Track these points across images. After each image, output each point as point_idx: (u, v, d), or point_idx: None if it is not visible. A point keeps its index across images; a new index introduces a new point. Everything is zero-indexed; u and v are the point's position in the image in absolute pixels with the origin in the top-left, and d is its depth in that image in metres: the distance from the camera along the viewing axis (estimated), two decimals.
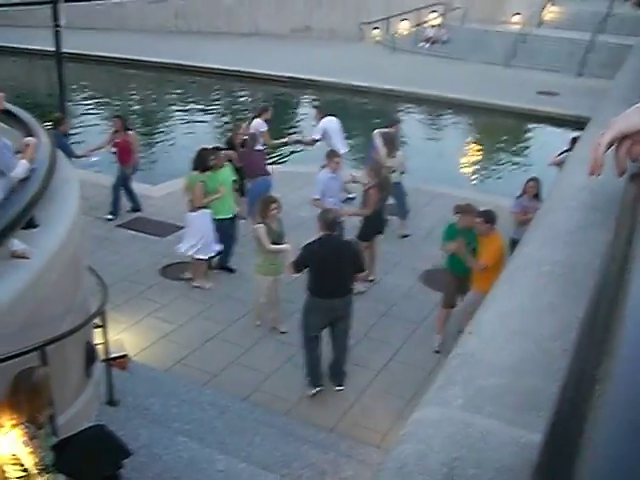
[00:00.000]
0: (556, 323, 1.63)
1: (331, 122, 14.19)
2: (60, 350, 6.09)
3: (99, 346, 7.48)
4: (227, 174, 11.21)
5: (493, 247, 9.05)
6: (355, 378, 9.06)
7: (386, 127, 13.46)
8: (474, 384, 1.38)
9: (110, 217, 13.17)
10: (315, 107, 15.49)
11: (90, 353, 7.17)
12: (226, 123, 22.56)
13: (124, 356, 8.59)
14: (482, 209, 9.38)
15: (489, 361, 1.45)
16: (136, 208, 13.53)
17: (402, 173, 13.08)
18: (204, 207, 10.71)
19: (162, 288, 10.96)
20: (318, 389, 8.74)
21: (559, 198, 2.48)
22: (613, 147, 1.47)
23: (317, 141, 14.22)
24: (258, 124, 14.07)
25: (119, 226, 13.03)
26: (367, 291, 11.02)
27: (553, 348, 1.52)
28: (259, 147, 13.04)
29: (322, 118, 14.43)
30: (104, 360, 7.56)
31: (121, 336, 9.31)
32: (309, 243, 8.72)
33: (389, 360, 9.44)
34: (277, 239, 9.52)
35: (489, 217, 9.17)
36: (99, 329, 7.36)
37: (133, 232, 12.82)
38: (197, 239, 10.77)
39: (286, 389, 8.83)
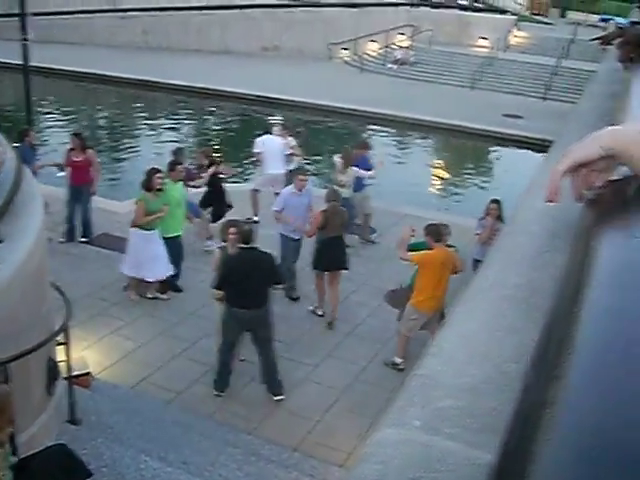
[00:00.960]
0: (516, 346, 1.66)
1: (270, 141, 14.39)
2: (23, 367, 6.02)
3: (62, 363, 7.40)
4: (173, 193, 11.22)
5: (421, 254, 9.30)
6: (319, 397, 9.07)
7: (357, 148, 13.71)
8: (433, 405, 1.40)
9: (84, 239, 13.06)
10: (281, 124, 15.60)
11: (52, 370, 7.09)
12: (194, 140, 22.57)
13: (87, 374, 8.52)
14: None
15: (448, 382, 1.48)
16: (71, 230, 13.15)
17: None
18: (147, 226, 10.76)
19: (126, 305, 10.89)
20: (221, 394, 8.99)
21: (521, 222, 2.53)
22: (571, 175, 1.51)
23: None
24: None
25: (83, 242, 12.93)
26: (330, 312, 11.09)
27: (512, 371, 1.55)
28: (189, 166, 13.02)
29: (288, 136, 14.60)
30: (66, 378, 7.48)
31: (84, 353, 9.22)
32: (226, 258, 9.02)
33: (353, 380, 9.46)
34: None
35: (427, 230, 9.41)
36: (62, 346, 7.28)
37: (97, 248, 12.74)
38: (130, 257, 10.88)
39: (250, 408, 8.81)
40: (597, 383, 0.86)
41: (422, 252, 9.35)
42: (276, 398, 8.97)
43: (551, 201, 1.50)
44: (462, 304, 1.85)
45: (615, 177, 1.47)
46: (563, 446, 0.75)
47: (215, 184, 13.03)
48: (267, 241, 11.36)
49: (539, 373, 0.93)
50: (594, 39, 5.02)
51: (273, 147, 14.28)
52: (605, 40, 4.91)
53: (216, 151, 14.06)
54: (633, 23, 4.21)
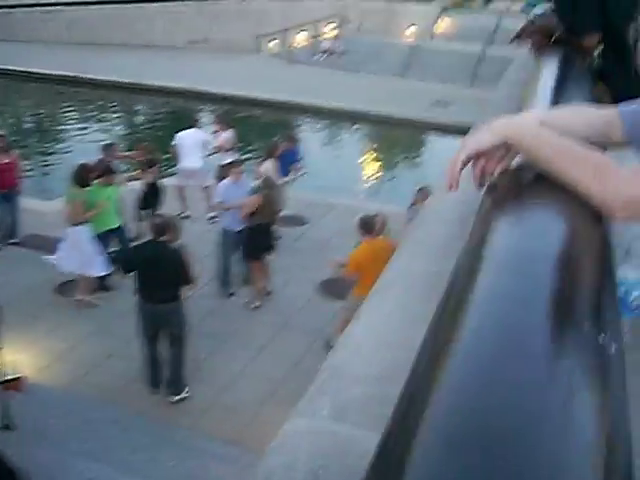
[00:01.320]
0: (424, 334, 1.72)
1: (187, 135, 14.37)
2: None
3: None
4: (113, 191, 11.24)
5: (354, 257, 9.22)
6: (256, 390, 9.09)
7: (284, 142, 13.79)
8: (342, 394, 1.45)
9: (12, 241, 12.83)
10: (215, 118, 15.60)
11: None
12: (123, 136, 22.30)
13: (20, 377, 8.38)
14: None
15: (357, 372, 1.53)
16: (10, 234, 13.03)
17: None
18: (84, 222, 10.66)
19: (58, 306, 10.75)
20: (156, 390, 8.94)
21: (434, 210, 2.60)
22: (471, 163, 1.58)
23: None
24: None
25: (11, 244, 12.70)
26: (264, 304, 11.11)
27: None
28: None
29: (222, 130, 14.62)
30: None
31: (16, 357, 9.07)
32: (135, 246, 8.98)
33: (290, 371, 9.50)
34: None
35: (357, 225, 9.38)
36: None
37: (26, 250, 12.51)
38: (70, 254, 10.69)
39: (188, 403, 8.80)
40: (477, 367, 0.91)
41: (354, 254, 9.23)
42: (176, 398, 8.88)
43: (451, 189, 1.56)
44: (372, 294, 1.91)
45: (513, 165, 1.54)
46: (437, 428, 0.80)
47: (153, 184, 12.87)
48: (201, 237, 11.37)
49: (427, 357, 0.98)
50: (513, 40, 5.02)
51: (188, 141, 14.25)
52: (524, 34, 4.99)
53: (152, 148, 13.92)
54: (544, 13, 4.29)
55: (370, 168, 21.24)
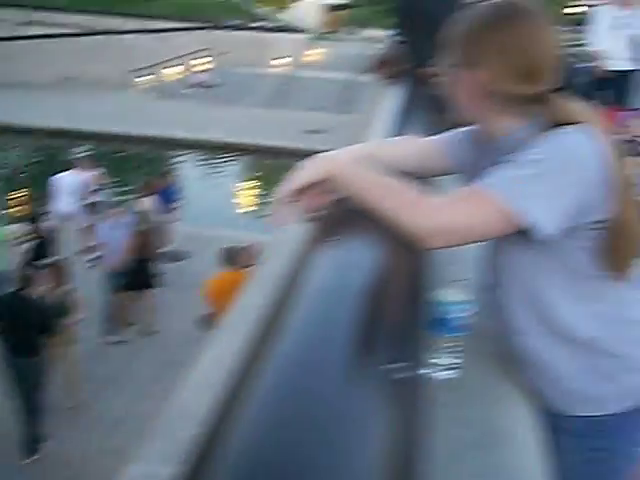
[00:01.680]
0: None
1: (63, 177, 14.19)
2: None
3: None
4: None
5: (208, 290, 9.13)
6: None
7: (158, 179, 13.84)
8: (176, 436, 1.46)
9: None
10: (84, 158, 15.35)
11: None
12: None
13: None
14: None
15: (195, 411, 1.54)
16: None
17: None
18: None
19: None
20: (31, 459, 8.41)
21: (279, 242, 2.64)
22: (297, 196, 1.63)
23: None
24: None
25: None
26: (147, 342, 10.99)
27: None
28: None
29: (89, 170, 14.42)
30: None
31: None
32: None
33: None
34: None
35: (222, 255, 9.32)
36: None
37: None
38: None
39: (72, 452, 8.55)
40: (271, 403, 0.95)
41: (211, 287, 9.02)
42: (31, 458, 8.41)
43: (276, 224, 1.61)
44: (218, 329, 1.92)
45: (334, 199, 1.60)
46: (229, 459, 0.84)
47: (37, 233, 12.27)
48: (82, 279, 11.13)
49: (229, 393, 1.02)
50: (366, 70, 5.15)
51: (64, 183, 14.07)
52: (376, 65, 5.13)
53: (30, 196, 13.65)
54: (394, 44, 4.46)
55: (248, 198, 21.28)
